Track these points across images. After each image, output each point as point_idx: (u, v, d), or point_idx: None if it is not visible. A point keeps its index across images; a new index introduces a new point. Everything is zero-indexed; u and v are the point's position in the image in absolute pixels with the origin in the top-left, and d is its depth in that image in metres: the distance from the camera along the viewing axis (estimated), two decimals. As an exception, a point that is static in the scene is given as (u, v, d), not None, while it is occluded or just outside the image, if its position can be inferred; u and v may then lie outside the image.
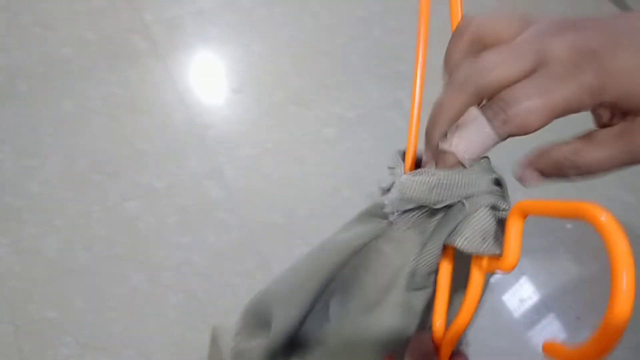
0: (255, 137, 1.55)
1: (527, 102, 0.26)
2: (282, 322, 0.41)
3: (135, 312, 1.24)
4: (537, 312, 1.38)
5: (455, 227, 0.31)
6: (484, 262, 0.31)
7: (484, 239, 0.30)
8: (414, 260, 0.35)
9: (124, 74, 1.62)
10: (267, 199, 1.44)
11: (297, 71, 1.70)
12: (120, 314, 1.23)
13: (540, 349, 0.25)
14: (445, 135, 0.30)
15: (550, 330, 1.36)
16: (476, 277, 0.32)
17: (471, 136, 0.28)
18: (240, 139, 1.54)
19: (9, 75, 1.59)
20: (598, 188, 1.48)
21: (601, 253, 0.23)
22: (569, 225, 1.48)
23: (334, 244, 0.39)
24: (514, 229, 0.28)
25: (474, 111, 0.29)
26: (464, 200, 0.31)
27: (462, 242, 0.30)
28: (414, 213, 0.34)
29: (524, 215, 0.27)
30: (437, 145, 0.30)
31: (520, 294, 1.40)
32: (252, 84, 1.66)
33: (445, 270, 0.34)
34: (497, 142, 0.29)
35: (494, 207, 0.31)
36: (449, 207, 0.32)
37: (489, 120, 0.28)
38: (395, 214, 0.34)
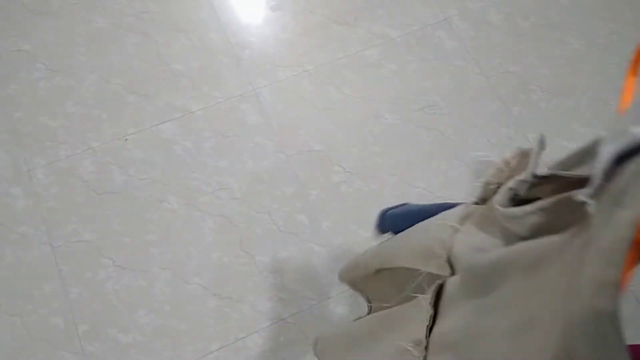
0: (294, 58, 1.47)
1: None
2: None
3: (172, 235, 1.23)
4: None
5: None
6: None
7: None
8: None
9: (157, -11, 1.55)
10: (305, 123, 1.38)
11: (339, -14, 1.58)
12: (157, 236, 1.23)
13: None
14: None
15: None
16: None
17: None
18: (278, 60, 1.46)
19: (40, -10, 1.53)
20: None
21: None
22: None
23: None
24: None
25: None
26: None
27: None
28: None
29: None
30: None
31: None
32: (291, 1, 1.56)
33: None
34: None
35: None
36: None
37: None
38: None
